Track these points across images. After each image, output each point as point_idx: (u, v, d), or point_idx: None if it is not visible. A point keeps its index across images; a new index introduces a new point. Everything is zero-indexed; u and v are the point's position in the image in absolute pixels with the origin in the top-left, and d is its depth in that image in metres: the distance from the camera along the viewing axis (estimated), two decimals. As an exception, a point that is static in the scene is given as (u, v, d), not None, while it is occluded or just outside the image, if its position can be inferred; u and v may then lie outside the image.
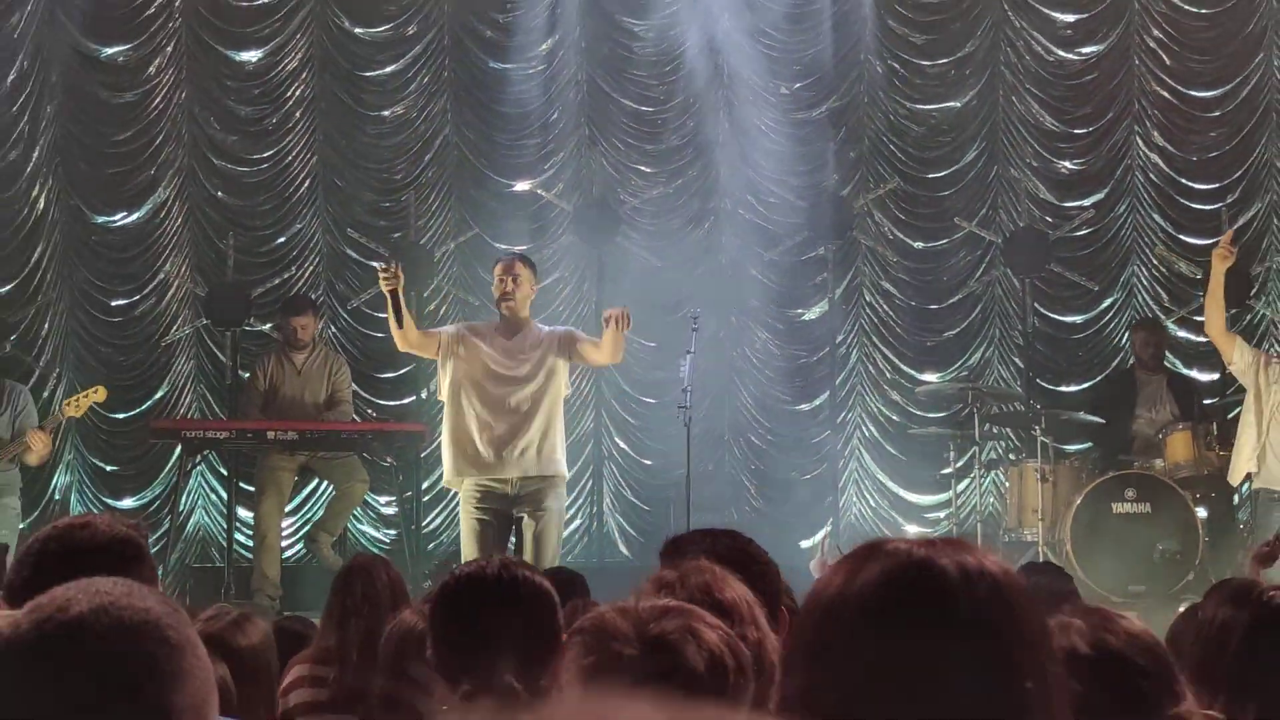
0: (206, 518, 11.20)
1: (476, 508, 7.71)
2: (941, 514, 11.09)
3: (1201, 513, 9.30)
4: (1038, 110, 11.55)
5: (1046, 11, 11.57)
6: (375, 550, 10.60)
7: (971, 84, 11.61)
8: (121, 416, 11.08)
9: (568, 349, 7.85)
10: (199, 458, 10.35)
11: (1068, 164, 11.58)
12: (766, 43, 11.55)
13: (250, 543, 9.87)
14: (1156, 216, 11.47)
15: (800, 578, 6.90)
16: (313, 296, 10.98)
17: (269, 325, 11.04)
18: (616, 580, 3.68)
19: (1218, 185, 11.40)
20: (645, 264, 11.38)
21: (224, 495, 10.74)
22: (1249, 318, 11.24)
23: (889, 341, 11.60)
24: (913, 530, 11.27)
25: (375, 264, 7.89)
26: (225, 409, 10.86)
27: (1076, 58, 11.60)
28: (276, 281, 11.37)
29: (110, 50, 11.52)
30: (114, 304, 11.42)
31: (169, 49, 11.50)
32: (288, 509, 10.19)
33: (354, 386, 10.36)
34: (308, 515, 10.81)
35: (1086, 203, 11.48)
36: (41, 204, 11.36)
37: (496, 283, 7.92)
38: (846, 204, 11.45)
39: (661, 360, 10.96)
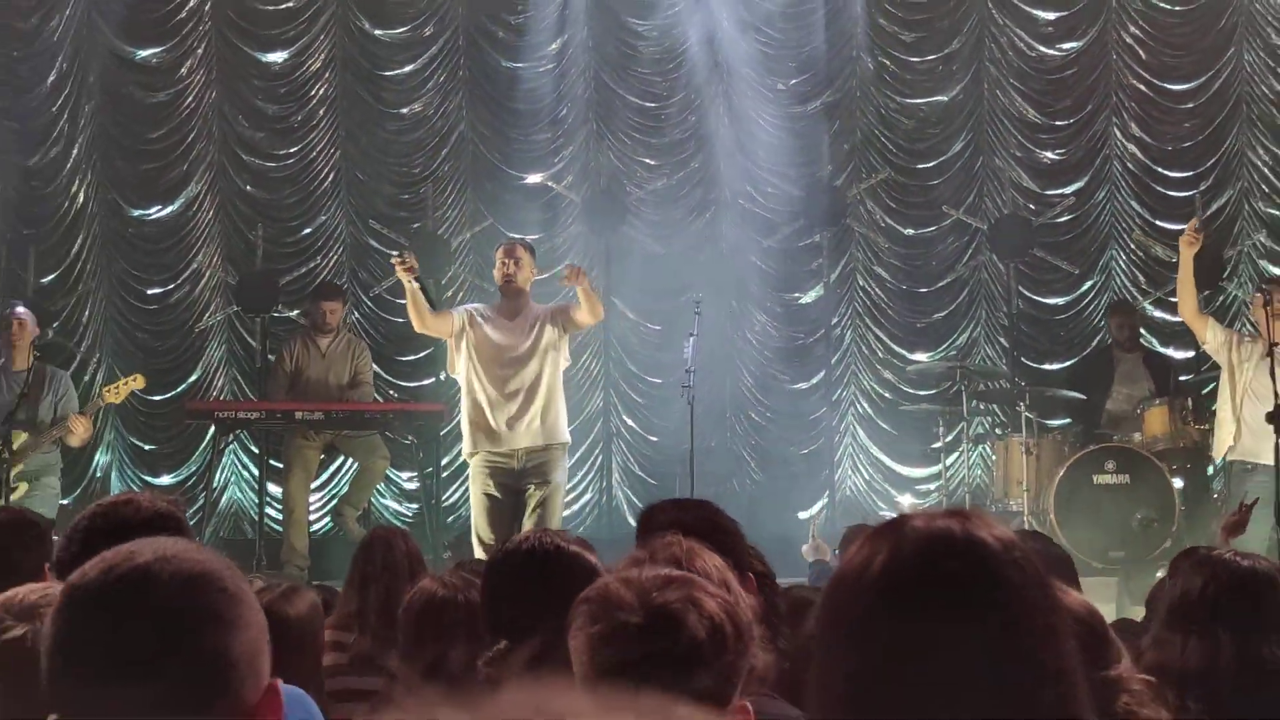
0: (239, 493, 11.21)
1: (485, 482, 7.73)
2: (932, 486, 11.07)
3: (1178, 483, 9.29)
4: (1021, 103, 11.51)
5: (1028, 9, 11.53)
6: (397, 523, 10.60)
7: (958, 79, 11.57)
8: (158, 398, 11.09)
9: (561, 320, 7.88)
10: (231, 437, 10.38)
11: (1049, 154, 11.55)
12: (763, 41, 11.52)
13: (280, 516, 9.89)
14: (1134, 203, 11.43)
15: (797, 546, 6.93)
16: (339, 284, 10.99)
17: (296, 312, 11.03)
18: (625, 551, 3.64)
19: (1191, 173, 11.36)
20: (650, 251, 11.39)
21: (255, 472, 10.75)
22: (1221, 298, 11.21)
23: (881, 323, 11.58)
24: (905, 501, 11.26)
25: (391, 255, 7.87)
26: (255, 391, 10.86)
27: (1057, 53, 11.56)
28: (303, 270, 11.37)
29: (144, 52, 11.51)
30: (150, 292, 11.43)
31: (200, 51, 11.48)
32: (314, 485, 10.23)
33: (375, 368, 10.38)
34: (334, 490, 10.82)
35: (1067, 190, 11.45)
36: (81, 198, 11.37)
37: (499, 265, 7.94)
38: (840, 193, 11.44)
39: (666, 342, 10.97)
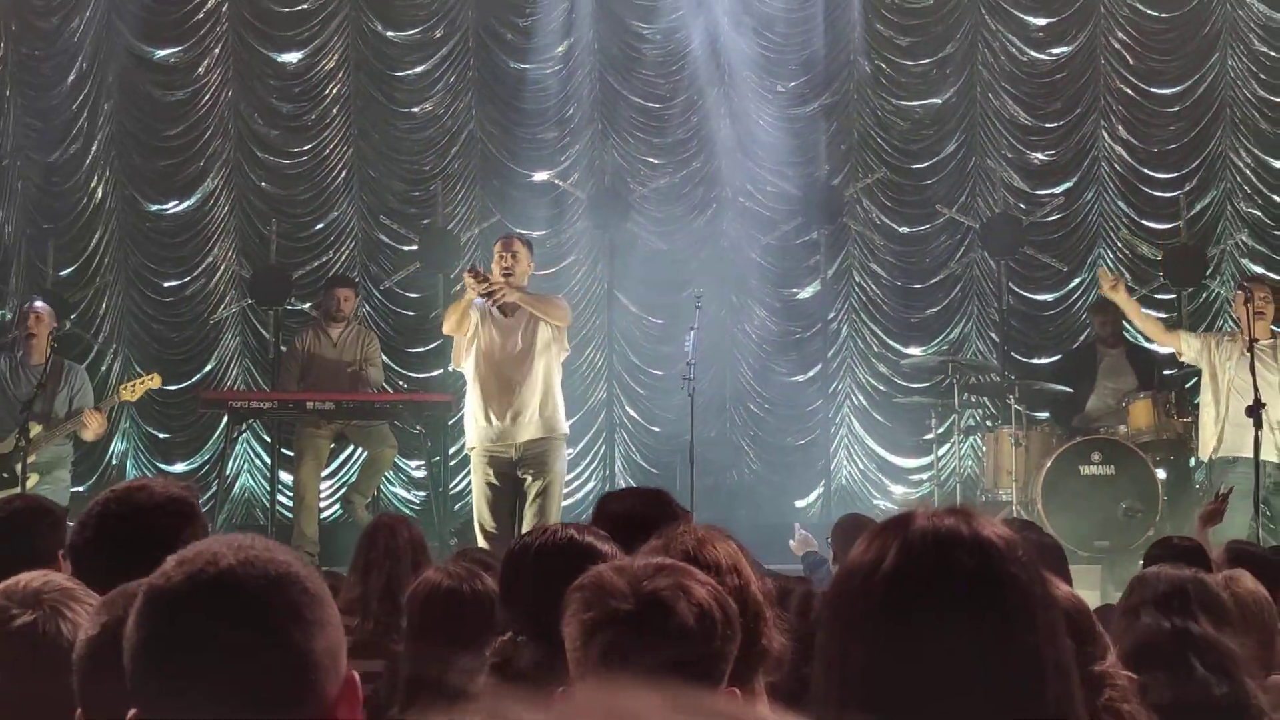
0: (251, 481, 11.21)
1: (486, 472, 7.72)
2: (924, 476, 11.08)
3: (1161, 474, 9.30)
4: (1012, 106, 11.50)
5: (1020, 15, 11.52)
6: (405, 510, 10.61)
7: (952, 82, 11.56)
8: (173, 388, 11.06)
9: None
10: (244, 426, 10.37)
11: (1039, 155, 11.53)
12: (763, 44, 11.51)
13: (291, 503, 9.89)
14: (1120, 203, 11.42)
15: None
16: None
17: (309, 305, 11.03)
18: None
19: (1176, 174, 11.35)
20: (653, 247, 11.40)
21: (267, 460, 10.77)
22: (1205, 295, 11.20)
23: (876, 318, 11.57)
24: (898, 491, 11.27)
25: (469, 276, 7.72)
26: (268, 381, 10.86)
27: (1047, 58, 11.54)
28: (315, 264, 11.38)
29: (162, 52, 11.51)
30: (166, 285, 11.43)
31: (216, 51, 11.48)
32: (325, 472, 10.20)
33: (385, 359, 10.37)
34: (343, 479, 10.82)
35: (1056, 191, 11.43)
36: (100, 194, 11.37)
37: (496, 259, 7.88)
38: (837, 192, 11.43)
39: (668, 335, 10.98)
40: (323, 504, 10.18)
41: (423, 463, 10.44)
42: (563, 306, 7.98)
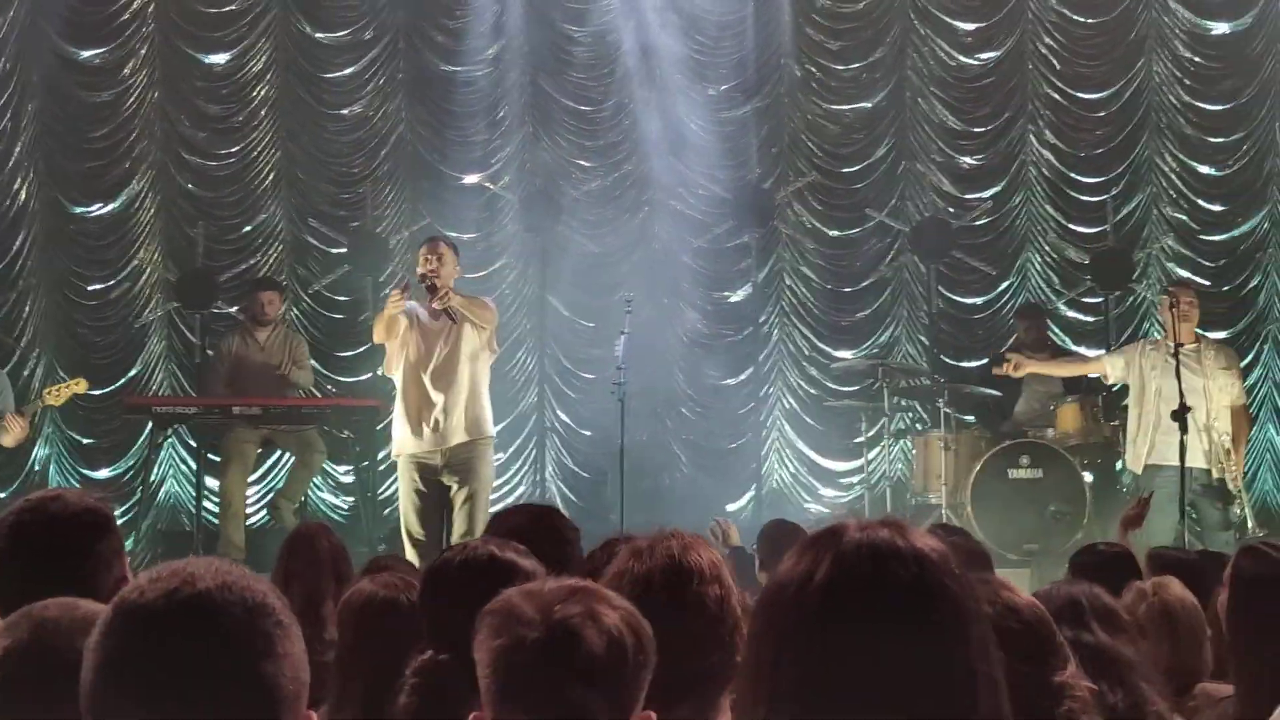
0: (177, 487, 11.01)
1: (413, 479, 7.61)
2: (854, 479, 11.07)
3: (1089, 477, 9.32)
4: (941, 110, 11.52)
5: (949, 21, 11.53)
6: (334, 516, 10.50)
7: (881, 86, 11.56)
8: (98, 393, 10.80)
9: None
10: (169, 431, 10.19)
11: (968, 159, 11.55)
12: (695, 47, 11.47)
13: (217, 510, 9.71)
14: (1048, 207, 11.47)
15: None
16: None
17: (235, 308, 10.87)
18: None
19: (1103, 179, 11.39)
20: (584, 250, 11.36)
21: (193, 465, 10.60)
22: (1131, 299, 11.25)
23: (807, 321, 11.56)
24: (829, 494, 11.25)
25: (388, 292, 7.67)
26: (194, 386, 10.70)
27: (976, 63, 11.57)
28: (243, 267, 11.23)
29: (87, 53, 11.31)
30: (90, 289, 11.23)
31: (142, 52, 11.31)
32: (251, 478, 10.05)
33: (314, 363, 10.24)
34: (271, 484, 10.66)
35: (985, 195, 11.45)
36: (23, 196, 11.14)
37: (421, 262, 7.69)
38: (768, 196, 11.42)
39: (599, 339, 10.89)
40: (250, 510, 10.03)
41: (351, 468, 10.28)
42: (490, 308, 7.86)
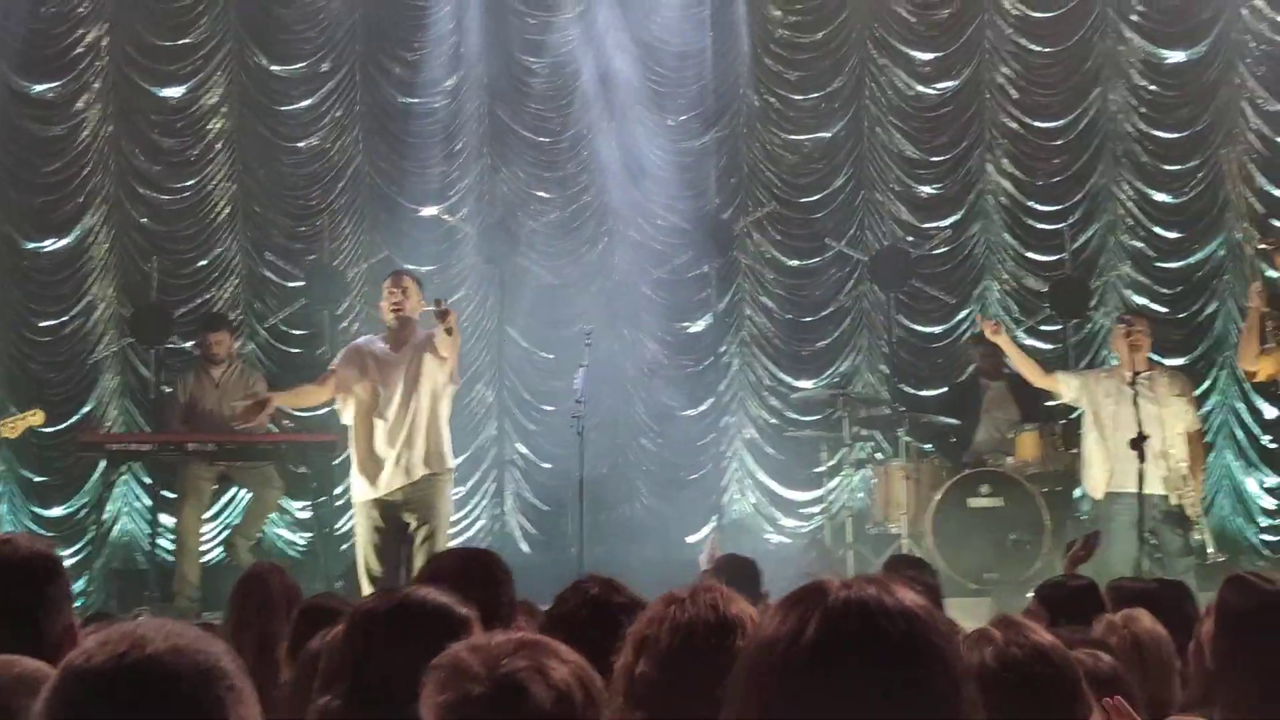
0: (131, 524, 10.90)
1: (371, 516, 7.55)
2: (815, 509, 11.06)
3: (1047, 506, 9.30)
4: (899, 140, 11.56)
5: (906, 51, 11.58)
6: (290, 553, 10.39)
7: (840, 116, 11.60)
8: (51, 430, 10.72)
9: (432, 348, 7.64)
10: (124, 468, 10.07)
11: (927, 189, 11.59)
12: (653, 78, 11.48)
13: (173, 547, 9.62)
14: (1006, 235, 11.51)
15: (687, 570, 6.83)
16: (232, 316, 10.81)
17: (190, 343, 10.77)
18: (516, 576, 3.68)
19: (1060, 207, 11.44)
20: (543, 282, 11.33)
21: (148, 502, 10.50)
22: (1088, 327, 11.29)
23: (767, 351, 11.56)
24: (789, 524, 11.22)
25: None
26: (149, 422, 10.58)
27: (934, 92, 11.62)
28: (198, 302, 11.15)
29: (40, 87, 11.26)
30: (43, 324, 11.15)
31: (96, 85, 11.26)
32: (207, 515, 9.96)
33: (270, 399, 10.13)
34: (227, 520, 10.56)
35: (943, 224, 11.49)
36: (-26, 232, 11.03)
37: (386, 295, 7.74)
38: (728, 226, 11.43)
39: (559, 371, 10.84)
40: (205, 547, 9.92)
41: (308, 504, 10.20)
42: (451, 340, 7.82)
